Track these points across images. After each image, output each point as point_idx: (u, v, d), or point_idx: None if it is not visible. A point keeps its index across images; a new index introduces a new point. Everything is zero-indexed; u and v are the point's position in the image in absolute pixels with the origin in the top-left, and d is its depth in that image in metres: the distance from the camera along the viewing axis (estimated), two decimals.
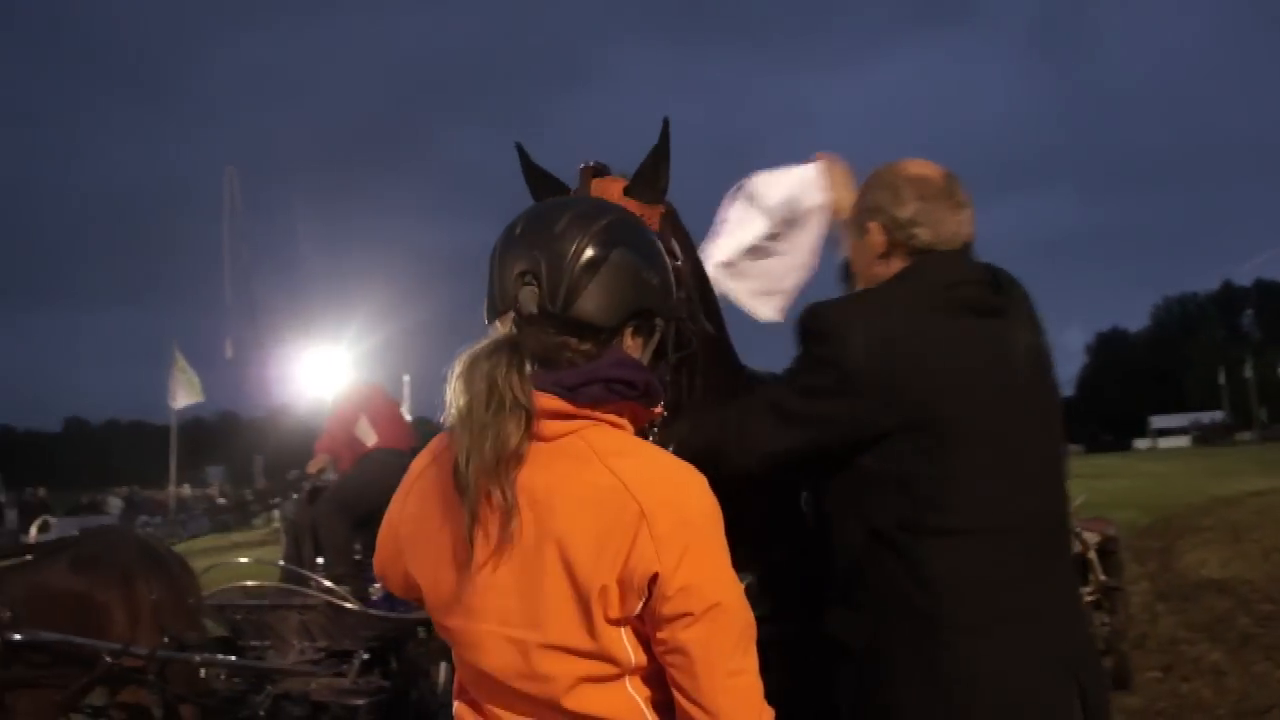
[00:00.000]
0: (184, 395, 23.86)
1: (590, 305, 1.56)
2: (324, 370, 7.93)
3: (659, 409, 1.70)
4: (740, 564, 2.31)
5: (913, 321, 2.02)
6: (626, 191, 2.19)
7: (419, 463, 1.71)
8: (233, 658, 4.96)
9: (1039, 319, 2.18)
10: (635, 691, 1.55)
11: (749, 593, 2.30)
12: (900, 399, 1.97)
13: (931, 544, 1.98)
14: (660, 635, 1.51)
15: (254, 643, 5.40)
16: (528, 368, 1.53)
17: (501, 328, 1.59)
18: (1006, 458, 2.01)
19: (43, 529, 7.70)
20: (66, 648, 4.02)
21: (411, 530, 1.67)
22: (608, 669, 1.52)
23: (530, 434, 1.51)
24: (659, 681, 1.55)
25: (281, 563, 6.14)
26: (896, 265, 2.14)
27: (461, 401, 1.52)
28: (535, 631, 1.51)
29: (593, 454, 1.52)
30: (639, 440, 1.61)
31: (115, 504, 35.86)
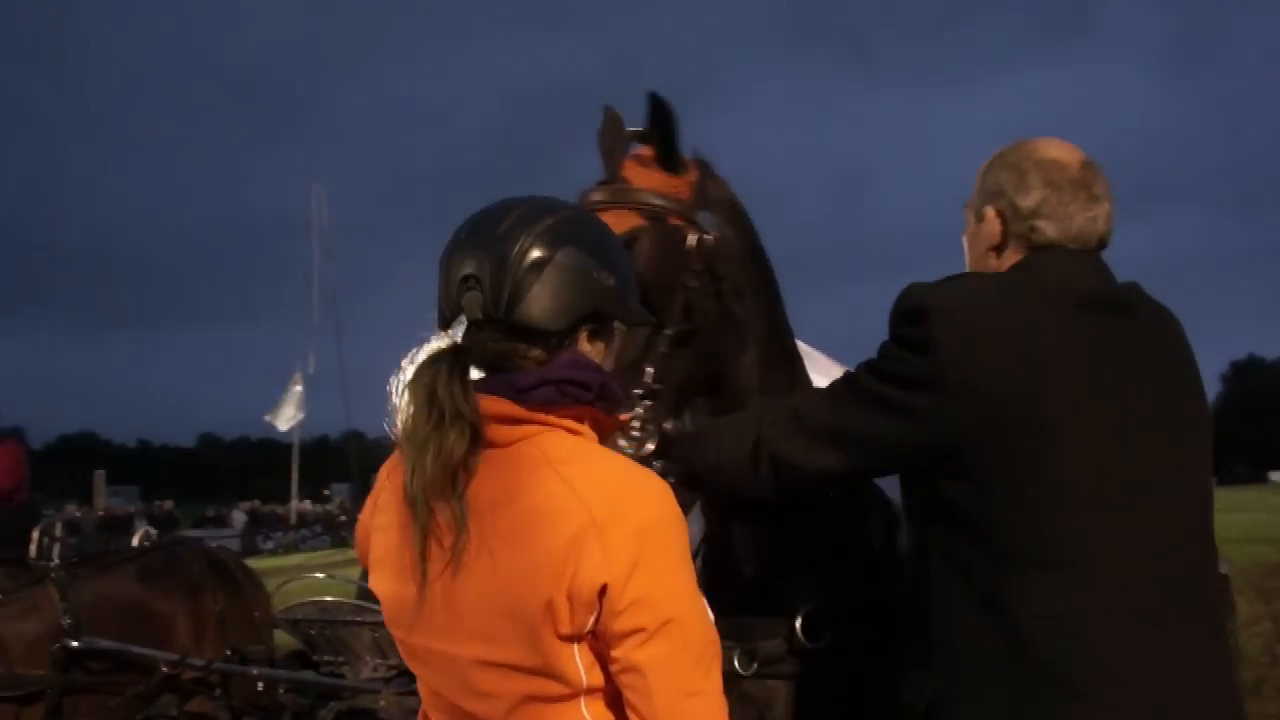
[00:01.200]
0: (289, 413, 24.33)
1: (535, 309, 1.49)
2: None
3: (625, 416, 1.62)
4: (801, 592, 2.22)
5: (1020, 308, 1.73)
6: (656, 158, 2.18)
7: (384, 471, 1.66)
8: (287, 672, 5.00)
9: (1183, 332, 1.89)
10: (592, 716, 1.46)
11: (808, 622, 2.21)
12: (995, 396, 1.67)
13: (1026, 580, 1.65)
14: (614, 653, 1.42)
15: (327, 658, 5.47)
16: (471, 376, 1.48)
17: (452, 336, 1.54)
18: (1128, 480, 1.68)
19: (144, 539, 7.95)
20: (125, 656, 4.11)
21: (375, 541, 1.63)
22: (556, 688, 1.44)
23: (480, 442, 1.45)
24: (620, 706, 1.46)
25: (356, 580, 6.20)
26: (1009, 261, 1.86)
27: (405, 415, 1.47)
28: (478, 648, 1.45)
29: (545, 460, 1.45)
30: (597, 447, 1.53)
31: (239, 518, 37.08)
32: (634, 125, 2.23)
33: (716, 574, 2.30)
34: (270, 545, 29.52)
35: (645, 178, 2.16)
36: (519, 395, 1.46)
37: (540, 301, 1.49)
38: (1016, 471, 1.68)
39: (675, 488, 2.10)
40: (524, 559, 1.41)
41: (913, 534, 1.90)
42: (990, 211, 1.88)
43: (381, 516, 1.61)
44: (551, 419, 1.48)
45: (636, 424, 2.01)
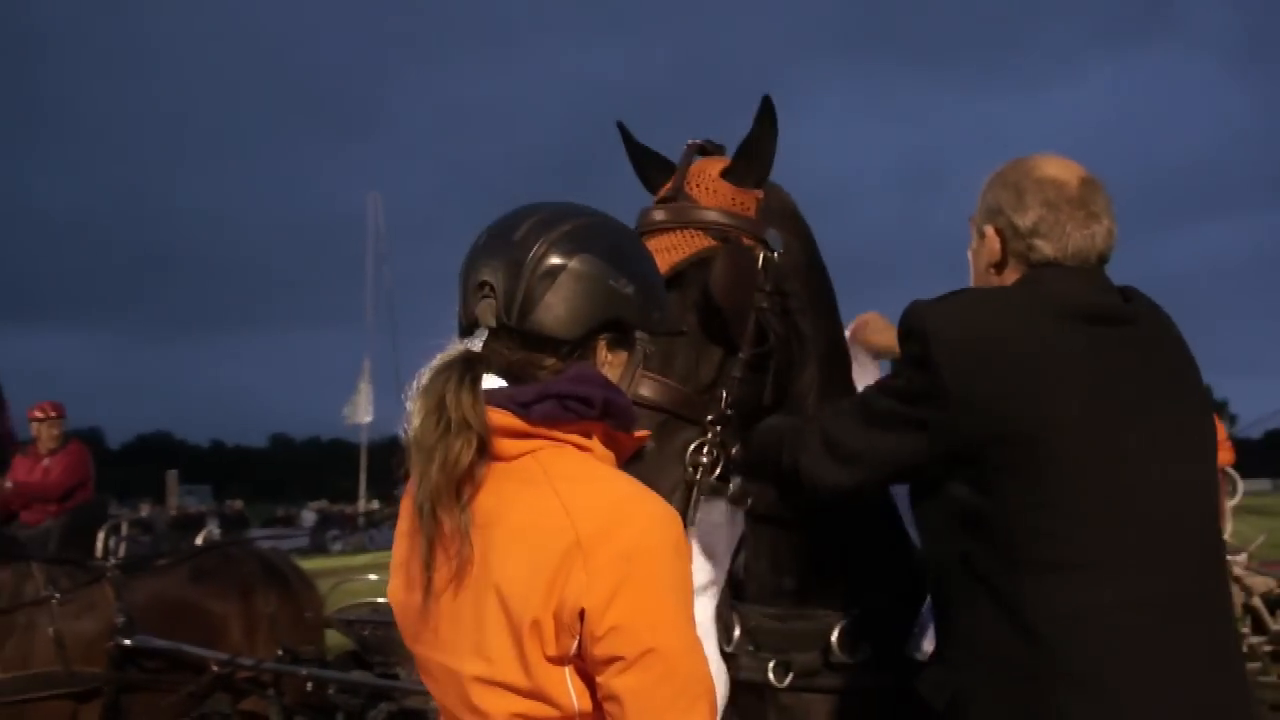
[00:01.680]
0: (360, 412, 24.54)
1: (548, 316, 1.46)
2: None
3: (642, 433, 1.57)
4: (837, 604, 2.16)
5: (1017, 320, 1.78)
6: (723, 173, 2.10)
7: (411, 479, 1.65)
8: (337, 672, 5.02)
9: (1180, 334, 1.90)
10: None
11: (843, 635, 2.14)
12: (997, 406, 1.72)
13: (1034, 581, 1.69)
14: (598, 679, 1.39)
15: (380, 659, 5.50)
16: (482, 385, 1.44)
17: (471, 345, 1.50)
18: (1129, 481, 1.72)
19: (206, 538, 8.10)
20: (177, 655, 4.17)
21: (395, 548, 1.61)
22: (547, 710, 1.41)
23: (488, 454, 1.42)
24: None
25: None
26: (1010, 278, 1.89)
27: (415, 423, 1.44)
28: (474, 664, 1.42)
29: (544, 477, 1.42)
30: (602, 466, 1.48)
31: (309, 517, 37.64)
32: (703, 136, 2.17)
33: (753, 584, 2.25)
34: (339, 545, 29.89)
35: (712, 195, 2.08)
36: (521, 409, 1.43)
37: (553, 309, 1.46)
38: (1023, 477, 1.72)
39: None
40: (515, 576, 1.38)
41: (928, 537, 1.91)
42: (990, 229, 1.93)
43: (400, 523, 1.60)
44: (556, 434, 1.44)
45: (705, 450, 1.97)
